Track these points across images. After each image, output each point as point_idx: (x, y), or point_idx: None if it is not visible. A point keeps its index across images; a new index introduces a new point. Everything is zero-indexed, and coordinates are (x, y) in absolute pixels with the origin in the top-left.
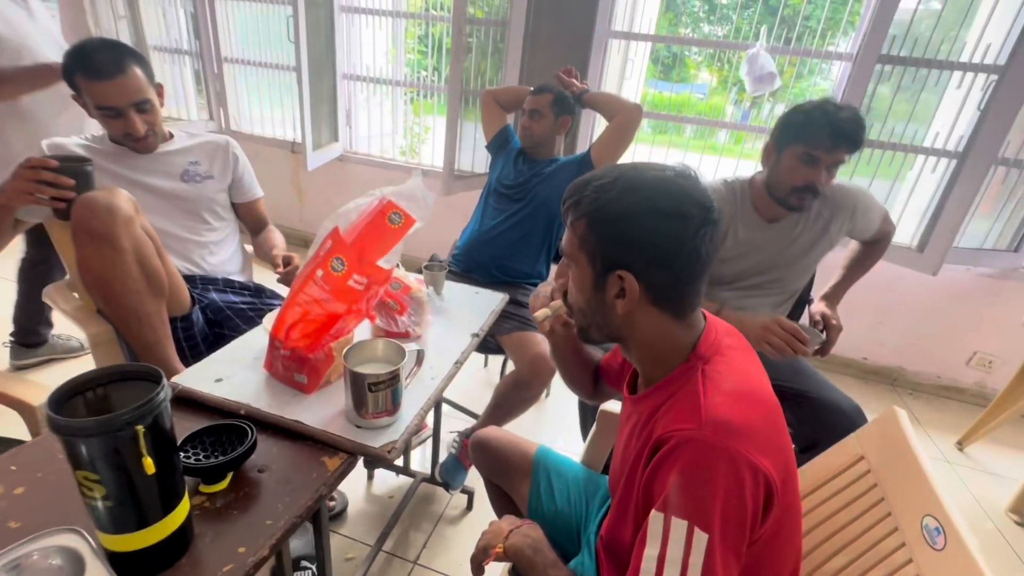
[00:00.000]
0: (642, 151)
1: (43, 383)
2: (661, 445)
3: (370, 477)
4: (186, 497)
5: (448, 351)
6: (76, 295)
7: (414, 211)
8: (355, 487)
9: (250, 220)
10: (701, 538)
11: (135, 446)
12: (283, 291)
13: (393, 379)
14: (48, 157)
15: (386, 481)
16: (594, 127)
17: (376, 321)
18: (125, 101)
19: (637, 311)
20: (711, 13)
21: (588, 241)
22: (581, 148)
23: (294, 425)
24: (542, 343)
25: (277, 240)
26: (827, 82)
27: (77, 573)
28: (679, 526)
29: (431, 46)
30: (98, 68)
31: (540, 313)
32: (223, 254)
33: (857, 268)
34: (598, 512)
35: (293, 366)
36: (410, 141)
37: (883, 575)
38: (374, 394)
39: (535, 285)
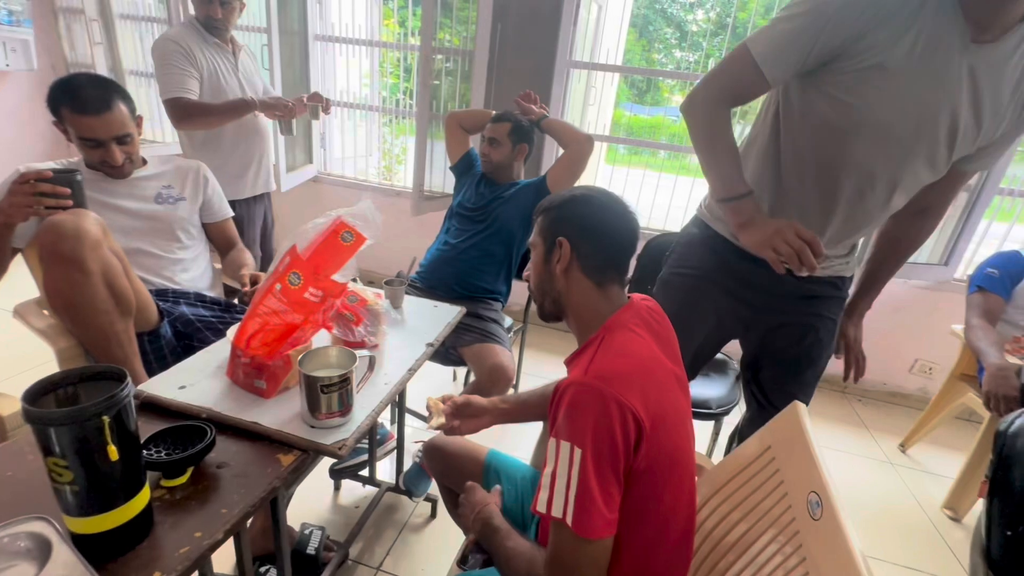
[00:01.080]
0: (619, 174)
1: (12, 395)
2: (558, 397)
3: (336, 488)
4: (147, 486)
5: (403, 360)
6: (46, 312)
7: (365, 230)
8: (321, 497)
9: (219, 240)
10: (577, 453)
11: (101, 435)
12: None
13: (344, 382)
14: (46, 171)
15: (352, 492)
16: (557, 148)
17: (333, 331)
18: (108, 135)
19: (570, 277)
20: (682, 40)
21: (543, 226)
22: (546, 167)
23: (252, 426)
24: (501, 354)
25: (246, 259)
26: None
27: (44, 554)
28: (564, 446)
29: (405, 70)
30: (85, 103)
31: (435, 422)
32: (195, 271)
33: (894, 258)
34: None
35: (253, 372)
36: (387, 162)
37: (774, 536)
38: (327, 396)
39: (495, 300)
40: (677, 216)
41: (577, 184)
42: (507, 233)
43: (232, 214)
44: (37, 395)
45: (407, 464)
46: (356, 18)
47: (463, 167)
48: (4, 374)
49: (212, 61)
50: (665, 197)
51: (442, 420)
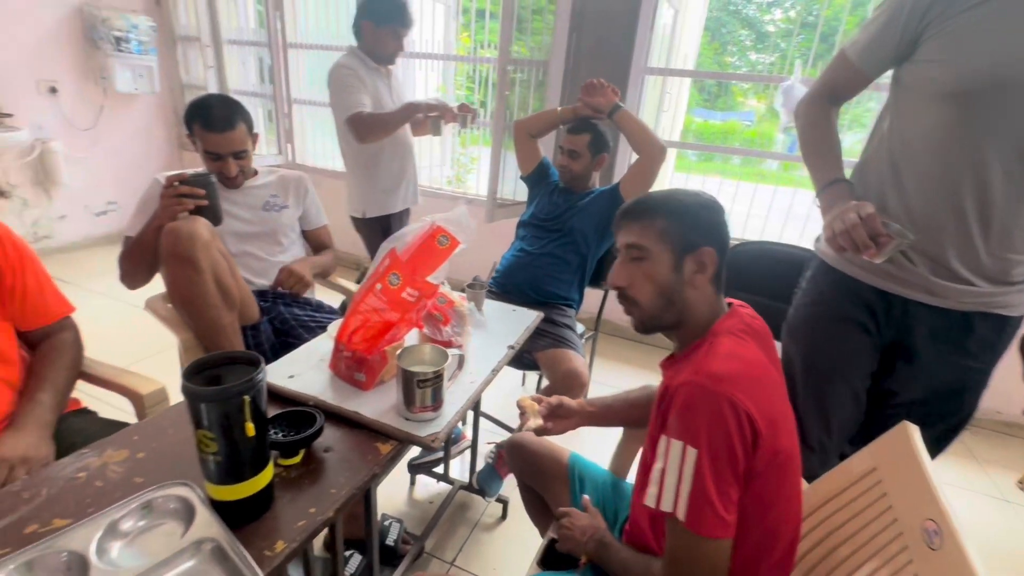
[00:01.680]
0: (694, 180)
1: (148, 375)
2: (669, 397)
3: (412, 483)
4: (271, 463)
5: (486, 360)
6: (170, 306)
7: (459, 235)
8: (399, 491)
9: (315, 244)
10: (691, 453)
11: (241, 413)
12: (330, 299)
13: (438, 378)
14: (183, 173)
15: (427, 487)
16: (629, 153)
17: (424, 329)
18: (228, 150)
19: (698, 285)
20: (759, 42)
21: (668, 232)
22: (620, 168)
23: (353, 415)
24: (575, 359)
25: (321, 256)
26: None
27: (189, 514)
28: (675, 445)
29: (478, 82)
30: (213, 122)
31: (532, 423)
32: None
33: None
34: (621, 518)
35: (354, 366)
36: (456, 171)
37: (881, 565)
38: (421, 390)
39: (569, 307)
40: (755, 225)
41: (655, 188)
42: (581, 241)
43: (327, 223)
44: (190, 375)
45: (480, 464)
46: (435, 34)
47: (536, 178)
48: (136, 357)
49: (374, 84)
50: (743, 206)
51: (539, 421)
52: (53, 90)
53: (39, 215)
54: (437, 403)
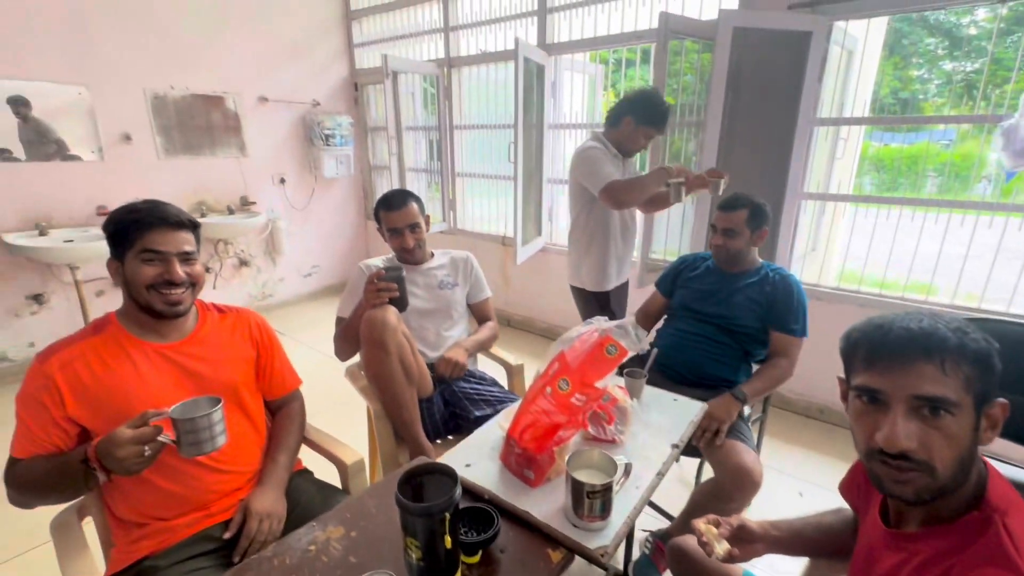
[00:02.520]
0: (870, 215)
1: (350, 444)
2: None
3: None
4: (460, 565)
5: (650, 460)
6: (363, 374)
7: (628, 344)
8: None
9: (478, 315)
10: None
11: (442, 527)
12: (492, 369)
13: (607, 489)
14: (379, 269)
15: (580, 569)
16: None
17: (589, 428)
18: (403, 224)
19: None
20: (954, 48)
21: (973, 379)
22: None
23: (525, 515)
24: (745, 453)
25: (477, 335)
26: None
27: None
28: None
29: None
30: (391, 204)
31: (720, 551)
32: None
33: None
34: None
35: (523, 463)
36: None
37: None
38: (590, 500)
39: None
40: (975, 272)
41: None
42: (742, 325)
43: (489, 295)
44: (401, 484)
45: (635, 552)
46: (584, 103)
47: (670, 282)
48: (332, 402)
49: (615, 167)
50: (948, 245)
51: (726, 546)
52: (283, 180)
53: (266, 278)
54: (606, 513)
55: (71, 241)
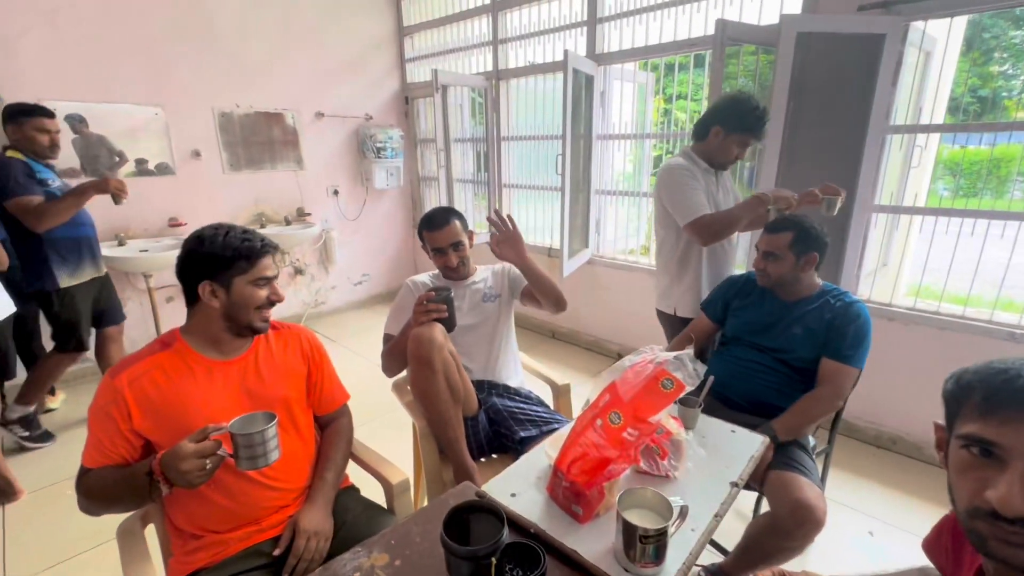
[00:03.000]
0: (950, 224)
1: (397, 464)
2: None
3: None
4: None
5: (707, 499)
6: (409, 389)
7: (685, 378)
8: None
9: (529, 291)
10: None
11: (487, 570)
12: (536, 387)
13: (661, 535)
14: (429, 290)
15: None
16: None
17: (641, 463)
18: (447, 243)
19: None
20: None
21: None
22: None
23: (573, 554)
24: (807, 488)
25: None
26: None
27: None
28: None
29: (668, 152)
30: (434, 223)
31: None
32: (505, 359)
33: None
34: None
35: (571, 497)
36: (648, 231)
37: None
38: (643, 545)
39: None
40: None
41: None
42: (800, 358)
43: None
44: (447, 522)
45: None
46: (634, 112)
47: (718, 311)
48: (377, 412)
49: (708, 183)
50: None
51: None
52: (336, 192)
53: (319, 287)
54: (660, 559)
55: (146, 251)
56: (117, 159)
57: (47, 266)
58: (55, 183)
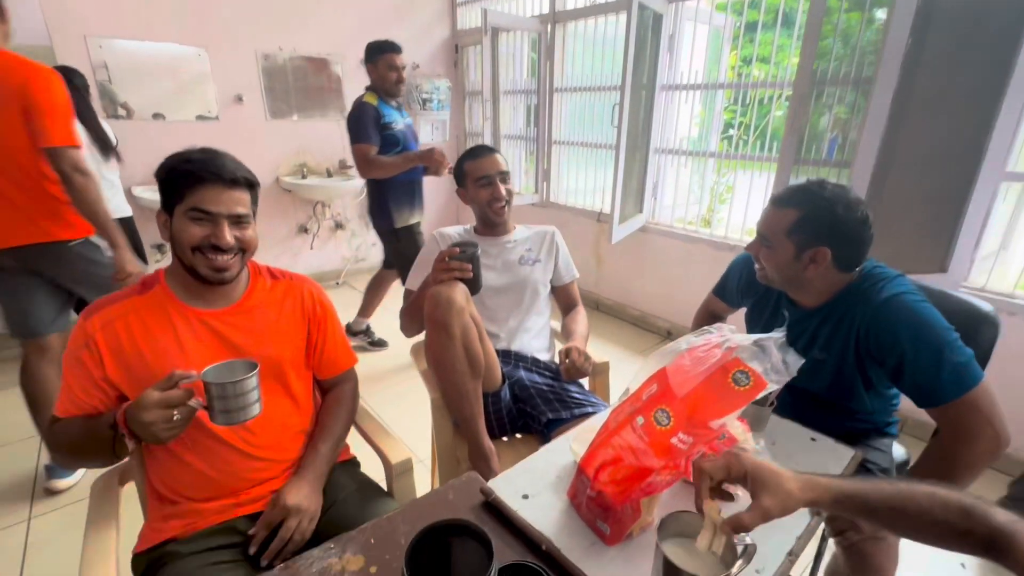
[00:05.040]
0: None
1: (417, 438)
2: None
3: None
4: None
5: (777, 530)
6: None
7: (766, 372)
8: None
9: (562, 300)
10: None
11: None
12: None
13: None
14: (453, 245)
15: None
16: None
17: (691, 476)
18: (494, 170)
19: None
20: None
21: None
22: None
23: None
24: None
25: (578, 328)
26: None
27: None
28: None
29: (743, 106)
30: (477, 152)
31: None
32: (536, 331)
33: None
34: None
35: (597, 511)
36: (710, 203)
37: None
38: None
39: (885, 433)
40: None
41: None
42: (827, 400)
43: (577, 276)
44: (415, 546)
45: None
46: (706, 60)
47: (735, 295)
48: (406, 390)
49: None
50: None
51: None
52: None
53: (360, 243)
54: None
55: None
56: (123, 111)
57: (388, 207)
58: (398, 124)
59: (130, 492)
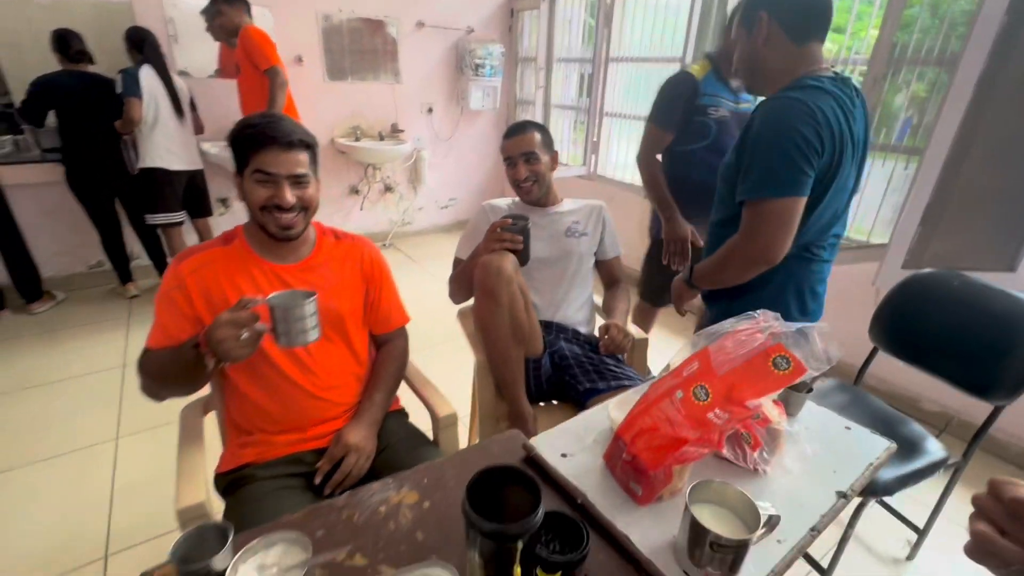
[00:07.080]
0: None
1: (459, 383)
2: None
3: None
4: None
5: (803, 507)
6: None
7: (807, 358)
8: None
9: (605, 275)
10: None
11: (511, 556)
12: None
13: (740, 547)
14: (505, 216)
15: None
16: None
17: (723, 451)
18: (517, 151)
19: None
20: None
21: None
22: None
23: (623, 539)
24: None
25: (619, 305)
26: None
27: None
28: None
29: None
30: (509, 129)
31: None
32: (578, 304)
33: None
34: None
35: (631, 473)
36: None
37: None
38: (714, 553)
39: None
40: None
41: None
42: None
43: (621, 253)
44: (475, 485)
45: None
46: None
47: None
48: (448, 351)
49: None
50: None
51: None
52: (430, 110)
53: (407, 206)
54: (732, 572)
55: None
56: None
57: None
58: (718, 110)
59: (208, 423)
